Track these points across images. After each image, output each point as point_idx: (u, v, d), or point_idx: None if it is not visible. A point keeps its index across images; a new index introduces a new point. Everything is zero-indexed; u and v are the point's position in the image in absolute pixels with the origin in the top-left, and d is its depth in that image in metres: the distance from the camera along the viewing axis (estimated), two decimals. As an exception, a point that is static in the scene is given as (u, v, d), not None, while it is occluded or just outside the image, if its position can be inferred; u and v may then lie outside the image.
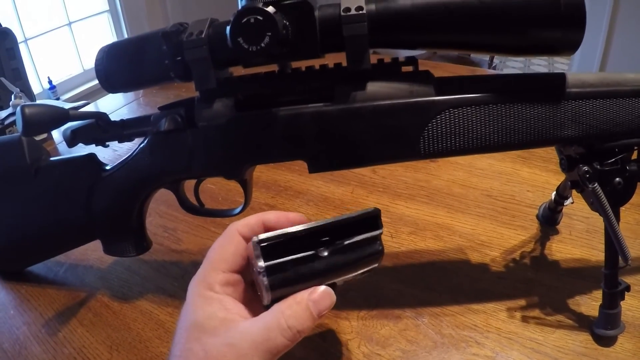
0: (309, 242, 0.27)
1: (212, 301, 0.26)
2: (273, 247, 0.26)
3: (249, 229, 0.29)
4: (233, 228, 0.29)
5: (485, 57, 2.08)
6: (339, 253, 0.28)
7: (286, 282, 0.26)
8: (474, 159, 0.57)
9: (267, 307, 0.27)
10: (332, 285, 0.28)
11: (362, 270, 0.29)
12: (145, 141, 0.37)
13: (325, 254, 0.27)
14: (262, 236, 0.26)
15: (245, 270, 0.29)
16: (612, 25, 1.99)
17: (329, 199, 0.54)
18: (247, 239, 0.28)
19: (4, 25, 1.40)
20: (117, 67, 0.36)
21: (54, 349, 0.38)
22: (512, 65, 2.75)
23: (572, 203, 0.43)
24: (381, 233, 0.29)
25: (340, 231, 0.28)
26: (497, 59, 2.55)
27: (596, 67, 2.07)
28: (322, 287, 0.27)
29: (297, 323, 0.25)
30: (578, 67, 2.16)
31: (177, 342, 0.26)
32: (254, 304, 0.28)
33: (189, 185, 0.41)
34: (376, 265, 0.30)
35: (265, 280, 0.26)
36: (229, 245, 0.28)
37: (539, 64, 2.73)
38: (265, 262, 0.26)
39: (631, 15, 1.94)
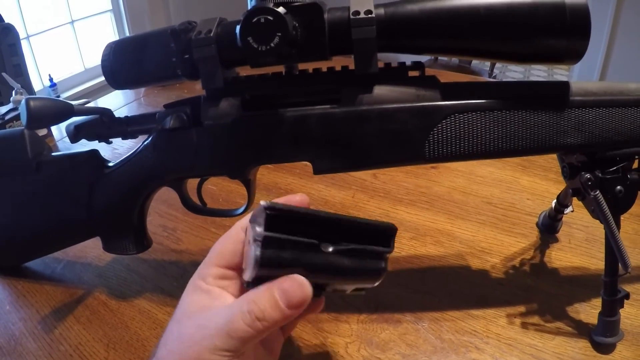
0: (315, 231, 0.25)
1: (200, 291, 0.26)
2: (277, 220, 0.24)
3: None
4: (238, 225, 0.28)
5: (486, 66, 2.10)
6: (343, 255, 0.25)
7: (277, 262, 0.24)
8: (475, 166, 0.58)
9: (247, 287, 0.25)
10: (320, 289, 0.26)
11: (357, 285, 0.28)
12: (150, 139, 0.37)
13: (330, 249, 0.25)
14: (271, 203, 0.24)
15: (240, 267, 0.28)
16: (613, 34, 2.02)
17: (329, 202, 0.54)
18: None
19: (6, 21, 1.40)
20: (123, 64, 0.36)
21: (49, 346, 0.38)
22: (512, 75, 2.77)
23: (572, 211, 0.43)
24: (390, 252, 0.27)
25: (348, 233, 0.26)
26: (497, 69, 2.56)
27: (596, 76, 2.09)
28: (297, 276, 0.24)
29: (257, 308, 0.23)
30: (578, 76, 2.18)
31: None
32: None
33: (190, 185, 0.41)
34: (372, 285, 0.27)
35: (258, 250, 0.23)
36: (228, 241, 0.28)
37: (539, 75, 2.75)
38: (266, 231, 0.23)
39: (632, 25, 1.96)
